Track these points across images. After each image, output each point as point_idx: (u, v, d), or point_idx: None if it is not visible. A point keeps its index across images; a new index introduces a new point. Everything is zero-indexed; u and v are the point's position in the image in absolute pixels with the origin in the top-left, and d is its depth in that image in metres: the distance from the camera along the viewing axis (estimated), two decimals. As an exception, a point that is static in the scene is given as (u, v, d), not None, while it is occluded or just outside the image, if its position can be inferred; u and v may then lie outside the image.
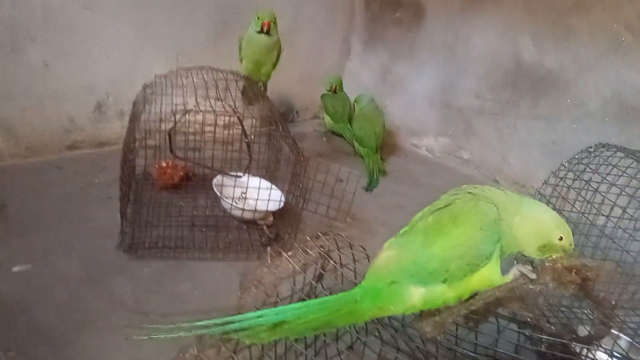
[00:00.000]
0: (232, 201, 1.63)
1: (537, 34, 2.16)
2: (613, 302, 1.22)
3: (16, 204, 1.67)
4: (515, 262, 0.96)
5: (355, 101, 2.52)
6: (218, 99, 1.67)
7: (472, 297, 0.92)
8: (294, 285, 0.90)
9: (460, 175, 2.44)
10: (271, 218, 1.70)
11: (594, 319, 0.95)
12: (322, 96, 2.60)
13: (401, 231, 0.99)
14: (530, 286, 0.87)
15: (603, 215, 1.23)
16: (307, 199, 1.80)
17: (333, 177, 1.83)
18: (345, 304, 0.86)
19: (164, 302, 1.34)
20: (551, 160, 2.15)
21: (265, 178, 1.83)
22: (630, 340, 1.24)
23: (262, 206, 1.59)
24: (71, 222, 1.63)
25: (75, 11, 1.91)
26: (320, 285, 0.92)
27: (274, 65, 1.92)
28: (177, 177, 1.86)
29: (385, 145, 2.59)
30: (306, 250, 0.92)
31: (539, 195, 1.35)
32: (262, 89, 1.95)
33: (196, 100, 1.57)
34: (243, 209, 1.61)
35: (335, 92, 2.54)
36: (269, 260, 0.88)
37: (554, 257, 0.91)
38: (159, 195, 1.79)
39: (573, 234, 0.94)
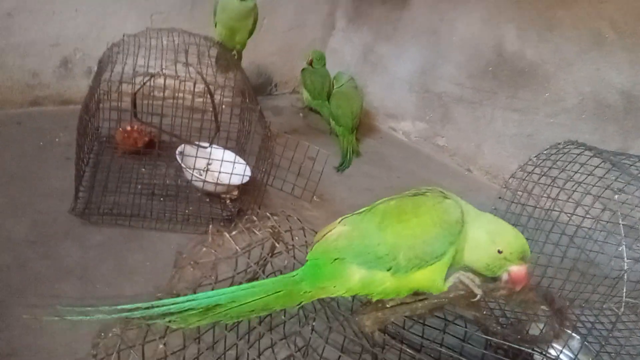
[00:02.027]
0: (195, 172, 1.58)
1: (521, 24, 2.13)
2: (567, 303, 1.21)
3: (-32, 160, 1.60)
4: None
5: (334, 78, 2.47)
6: (187, 64, 1.60)
7: (415, 296, 0.89)
8: (236, 266, 0.86)
9: (434, 162, 2.42)
10: (235, 192, 1.66)
11: (546, 320, 0.94)
12: (302, 70, 2.54)
13: (360, 210, 0.95)
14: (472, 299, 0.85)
15: (565, 214, 1.21)
16: (273, 175, 1.76)
17: (303, 155, 1.80)
18: (284, 285, 0.83)
19: (112, 271, 1.29)
20: (525, 153, 2.13)
21: (234, 151, 1.78)
22: (582, 340, 1.24)
23: (224, 179, 1.55)
24: (25, 181, 1.56)
25: (44, -41, 1.81)
26: (263, 268, 0.89)
27: (250, 33, 1.85)
28: (141, 142, 1.79)
29: (362, 125, 2.55)
30: (253, 231, 0.88)
31: (505, 189, 1.33)
32: (236, 57, 1.88)
33: (162, 64, 1.50)
34: (204, 181, 1.56)
35: (311, 65, 2.47)
36: (210, 239, 0.84)
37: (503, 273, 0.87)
38: (120, 160, 1.73)
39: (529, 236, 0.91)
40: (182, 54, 1.67)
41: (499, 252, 0.86)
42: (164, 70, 1.59)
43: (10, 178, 1.56)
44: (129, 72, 1.55)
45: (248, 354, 0.96)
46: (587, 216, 1.21)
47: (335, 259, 0.87)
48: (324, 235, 0.92)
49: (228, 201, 1.64)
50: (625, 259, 0.87)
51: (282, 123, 2.47)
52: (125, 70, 1.55)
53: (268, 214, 0.92)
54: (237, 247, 0.82)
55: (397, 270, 0.85)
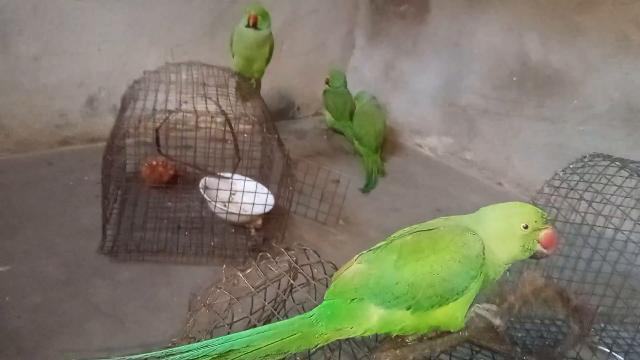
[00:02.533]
0: (218, 203, 1.58)
1: (543, 31, 2.08)
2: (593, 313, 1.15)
3: (2, 202, 1.64)
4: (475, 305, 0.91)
5: (355, 98, 2.46)
6: (205, 97, 1.62)
7: (435, 333, 0.86)
8: (252, 306, 0.85)
9: (462, 177, 2.37)
10: (259, 221, 1.66)
11: (568, 329, 0.90)
12: (324, 92, 2.54)
13: (377, 244, 0.93)
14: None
15: (593, 227, 1.16)
16: (297, 202, 1.76)
17: (326, 179, 1.79)
18: (300, 327, 0.81)
19: (141, 308, 1.30)
20: (556, 163, 2.05)
21: (256, 179, 1.78)
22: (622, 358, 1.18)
23: (247, 209, 1.55)
24: (55, 221, 1.60)
25: (66, 2, 1.86)
26: (283, 304, 0.87)
27: (267, 61, 1.86)
28: (166, 176, 1.81)
29: (387, 143, 2.53)
30: (269, 267, 0.86)
31: (533, 203, 1.28)
32: (255, 86, 1.89)
33: (179, 99, 1.52)
34: (227, 212, 1.57)
35: (328, 84, 2.47)
36: (223, 279, 0.83)
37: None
38: (146, 194, 1.75)
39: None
40: (200, 86, 1.69)
41: (525, 227, 0.85)
42: (183, 105, 1.62)
43: (41, 218, 1.60)
44: (150, 109, 1.58)
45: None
46: (621, 229, 1.16)
47: (353, 299, 0.85)
48: (341, 273, 0.90)
49: (253, 231, 1.63)
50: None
51: (305, 146, 2.47)
52: (146, 106, 1.58)
53: (282, 248, 0.91)
54: (251, 287, 0.81)
55: (417, 309, 0.83)
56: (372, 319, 0.84)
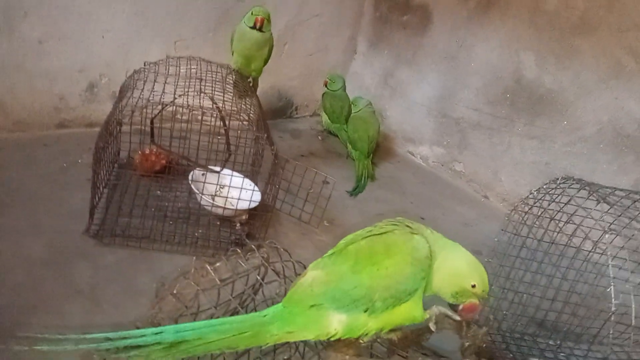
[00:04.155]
0: (205, 196, 1.62)
1: (539, 51, 2.11)
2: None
3: (-3, 179, 1.69)
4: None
5: (352, 103, 2.50)
6: (200, 92, 1.66)
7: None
8: (218, 298, 0.89)
9: (450, 187, 2.41)
10: (244, 216, 1.69)
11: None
12: (323, 94, 2.58)
13: (329, 252, 0.97)
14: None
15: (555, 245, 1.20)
16: (283, 200, 1.80)
17: (313, 180, 1.82)
18: (252, 325, 0.85)
19: (120, 292, 1.34)
20: (542, 181, 2.09)
21: (244, 175, 1.82)
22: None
23: (233, 203, 1.58)
24: (45, 201, 1.64)
25: (73, -11, 1.91)
26: (252, 297, 0.91)
27: (265, 61, 1.90)
28: (158, 165, 1.85)
29: (380, 149, 2.57)
30: (239, 262, 0.90)
31: (507, 220, 1.32)
32: (252, 84, 1.93)
33: (175, 91, 1.55)
34: (212, 204, 1.61)
35: (326, 86, 2.52)
36: (192, 270, 0.87)
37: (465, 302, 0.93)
38: (138, 182, 1.79)
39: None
40: (198, 81, 1.73)
41: (472, 286, 0.91)
42: (178, 98, 1.66)
43: (32, 198, 1.64)
44: (149, 98, 1.62)
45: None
46: (582, 248, 1.21)
47: (312, 306, 0.89)
48: (297, 282, 0.94)
49: (237, 225, 1.67)
50: (613, 300, 0.86)
51: (300, 146, 2.51)
52: (143, 96, 1.63)
53: (254, 245, 0.95)
54: (217, 279, 0.85)
55: (373, 310, 0.87)
56: (334, 324, 0.88)
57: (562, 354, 1.28)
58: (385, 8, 2.71)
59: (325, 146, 2.58)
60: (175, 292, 0.82)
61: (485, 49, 2.29)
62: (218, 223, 1.68)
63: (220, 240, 1.60)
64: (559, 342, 1.27)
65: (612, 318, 0.86)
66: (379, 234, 0.94)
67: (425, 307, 0.96)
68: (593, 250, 1.08)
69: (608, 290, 0.88)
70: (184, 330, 0.79)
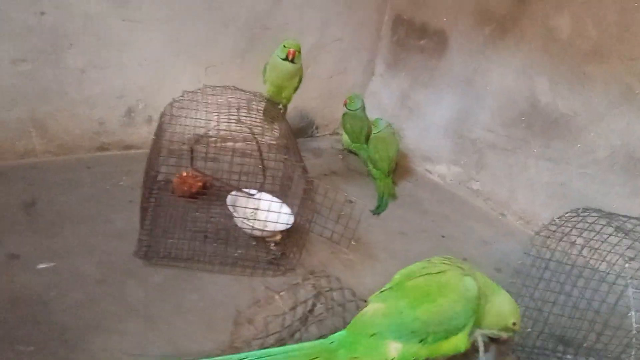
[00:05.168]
0: (242, 218, 1.73)
1: (553, 77, 2.22)
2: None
3: (45, 201, 1.80)
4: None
5: (373, 124, 2.60)
6: (239, 121, 1.78)
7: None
8: (284, 323, 0.99)
9: (468, 206, 2.51)
10: (279, 237, 1.80)
11: None
12: (343, 115, 2.69)
13: (386, 285, 1.10)
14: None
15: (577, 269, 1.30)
16: (314, 221, 1.90)
17: (340, 201, 1.93)
18: (321, 351, 0.96)
19: (170, 310, 1.45)
20: (557, 201, 2.22)
21: (279, 198, 1.93)
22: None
23: (269, 226, 1.69)
24: (94, 222, 1.75)
25: (113, 21, 2.03)
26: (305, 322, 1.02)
27: (295, 89, 2.02)
28: (195, 187, 1.97)
29: (399, 168, 2.67)
30: (300, 290, 1.01)
31: (530, 244, 1.43)
32: (282, 111, 2.04)
33: (214, 119, 1.67)
34: (252, 227, 1.72)
35: (345, 106, 2.63)
36: (265, 298, 0.98)
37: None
38: (176, 203, 1.90)
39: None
40: (234, 109, 1.85)
41: (514, 324, 1.08)
42: (216, 124, 1.78)
43: (81, 219, 1.75)
44: (188, 127, 1.75)
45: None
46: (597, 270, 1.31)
47: (373, 334, 1.01)
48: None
49: (272, 245, 1.78)
50: (634, 325, 0.96)
51: (321, 165, 2.62)
52: (185, 123, 1.75)
53: (310, 275, 1.06)
54: (285, 308, 0.96)
55: (426, 342, 1.00)
56: (391, 352, 1.00)
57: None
58: (402, 32, 2.83)
59: (346, 165, 2.69)
60: (250, 319, 0.92)
61: (500, 73, 2.40)
62: (254, 243, 1.79)
63: (258, 260, 1.70)
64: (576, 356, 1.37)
65: (634, 340, 0.96)
66: (434, 273, 1.07)
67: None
68: (608, 271, 1.18)
69: (629, 315, 0.97)
70: (265, 355, 0.90)
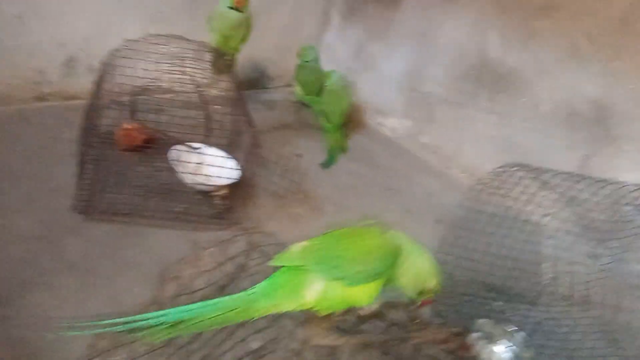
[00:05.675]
0: (186, 172, 1.72)
1: (504, 32, 2.23)
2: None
3: (-19, 155, 1.75)
4: None
5: (325, 76, 2.57)
6: (183, 72, 1.74)
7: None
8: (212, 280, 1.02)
9: (416, 159, 2.54)
10: (225, 190, 1.80)
11: None
12: (297, 66, 2.65)
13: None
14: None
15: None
16: (260, 175, 1.91)
17: (288, 154, 1.93)
18: (241, 303, 0.99)
19: (111, 265, 1.45)
20: (501, 154, 2.27)
21: (224, 149, 1.91)
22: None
23: (213, 179, 1.69)
24: (33, 177, 1.71)
25: (52, -35, 1.93)
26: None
27: (243, 40, 1.97)
28: (139, 139, 1.93)
29: (352, 121, 2.68)
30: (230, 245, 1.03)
31: (464, 198, 1.48)
32: (230, 62, 2.00)
33: (157, 69, 1.63)
34: (194, 181, 1.71)
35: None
36: (192, 255, 0.99)
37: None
38: (119, 157, 1.87)
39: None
40: (178, 60, 1.80)
41: (430, 286, 1.11)
42: (159, 75, 1.74)
43: (18, 173, 1.71)
44: (129, 77, 1.70)
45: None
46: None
47: (297, 267, 1.03)
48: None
49: (217, 199, 1.78)
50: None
51: (274, 117, 2.61)
52: (125, 73, 1.70)
53: (243, 230, 1.08)
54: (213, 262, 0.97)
55: (346, 280, 1.04)
56: (310, 293, 1.03)
57: (506, 314, 1.46)
58: (358, -19, 2.77)
59: (299, 117, 2.67)
60: (175, 275, 0.94)
61: (453, 27, 2.39)
62: (199, 197, 1.78)
63: (201, 214, 1.70)
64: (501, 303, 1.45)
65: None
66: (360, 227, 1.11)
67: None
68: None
69: (542, 265, 1.03)
70: (184, 311, 0.92)
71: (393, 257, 1.07)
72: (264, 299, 1.02)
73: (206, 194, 1.79)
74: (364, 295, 1.06)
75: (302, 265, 1.06)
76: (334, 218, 1.91)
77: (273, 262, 1.07)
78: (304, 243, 1.10)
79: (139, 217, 1.63)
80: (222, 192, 1.80)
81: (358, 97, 2.79)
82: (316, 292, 1.03)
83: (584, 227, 1.46)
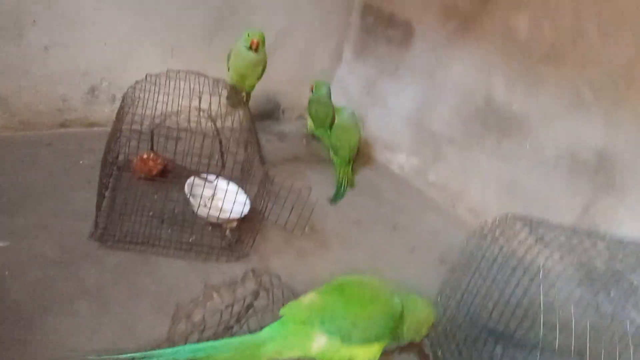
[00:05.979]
0: (200, 203, 1.78)
1: (509, 76, 2.30)
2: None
3: (4, 178, 1.82)
4: None
5: (336, 111, 2.65)
6: (199, 109, 1.81)
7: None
8: (220, 319, 1.07)
9: (423, 196, 2.60)
10: (235, 223, 1.87)
11: None
12: (309, 100, 2.73)
13: (325, 285, 1.19)
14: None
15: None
16: (269, 208, 1.97)
17: (298, 189, 1.99)
18: (248, 345, 1.05)
19: (123, 293, 1.50)
20: (506, 196, 2.33)
21: (236, 182, 1.98)
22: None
23: (225, 212, 1.75)
24: (52, 201, 1.78)
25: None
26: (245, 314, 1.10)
27: (258, 78, 2.06)
28: (155, 170, 2.01)
29: (361, 155, 2.75)
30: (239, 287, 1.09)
31: (466, 245, 1.53)
32: (245, 98, 2.09)
33: (176, 103, 1.71)
34: (208, 213, 1.77)
35: (312, 91, 2.64)
36: (201, 297, 1.05)
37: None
38: (135, 185, 1.94)
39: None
40: (195, 95, 1.88)
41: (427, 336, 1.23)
42: (179, 111, 1.82)
43: (39, 198, 1.78)
44: (151, 109, 1.78)
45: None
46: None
47: (303, 321, 1.10)
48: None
49: (227, 231, 1.84)
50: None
51: (285, 149, 2.68)
52: (146, 105, 1.78)
53: (251, 272, 1.14)
54: (223, 305, 1.03)
55: (348, 341, 1.11)
56: (315, 344, 1.09)
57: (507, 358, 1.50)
58: (371, 20, 2.87)
59: (310, 150, 2.75)
60: (187, 315, 1.00)
61: (460, 69, 2.47)
62: (210, 229, 1.85)
63: (212, 246, 1.76)
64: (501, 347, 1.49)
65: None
66: (370, 286, 1.21)
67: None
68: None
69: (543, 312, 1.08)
70: (195, 350, 0.98)
71: (397, 322, 1.17)
72: (272, 343, 1.08)
73: (217, 226, 1.86)
74: (367, 354, 1.14)
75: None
76: (340, 254, 1.96)
77: (282, 311, 1.14)
78: (313, 296, 1.17)
79: (152, 246, 1.69)
80: (233, 224, 1.87)
81: (367, 132, 2.87)
82: (321, 346, 1.10)
83: (585, 276, 1.52)
